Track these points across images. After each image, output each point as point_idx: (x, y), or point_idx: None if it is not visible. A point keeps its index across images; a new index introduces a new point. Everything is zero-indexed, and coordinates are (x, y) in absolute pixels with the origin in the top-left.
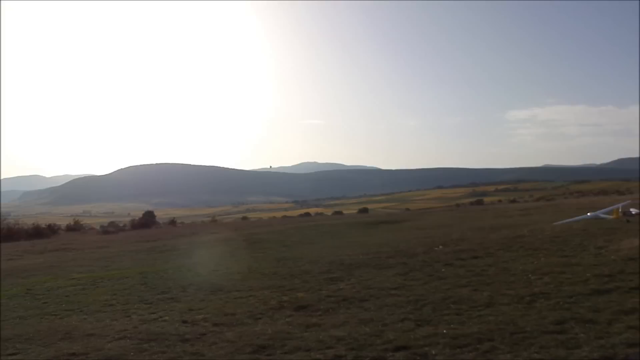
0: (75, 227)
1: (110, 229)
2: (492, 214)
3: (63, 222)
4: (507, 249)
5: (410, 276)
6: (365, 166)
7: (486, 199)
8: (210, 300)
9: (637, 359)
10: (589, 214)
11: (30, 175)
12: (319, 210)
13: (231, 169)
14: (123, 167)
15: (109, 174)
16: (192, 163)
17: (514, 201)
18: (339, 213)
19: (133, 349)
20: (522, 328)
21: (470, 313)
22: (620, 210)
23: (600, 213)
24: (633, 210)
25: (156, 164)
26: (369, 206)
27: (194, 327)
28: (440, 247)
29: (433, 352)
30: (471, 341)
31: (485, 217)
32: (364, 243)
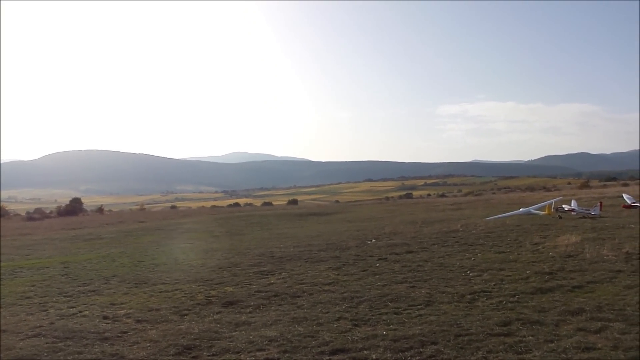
0: None
1: (36, 216)
2: (423, 207)
3: None
4: (442, 243)
5: (343, 271)
6: (296, 157)
7: (415, 193)
8: (134, 294)
9: None
10: (520, 209)
11: None
12: (249, 200)
13: (161, 157)
14: (51, 152)
15: (37, 159)
16: (121, 150)
17: (443, 195)
18: (269, 204)
19: (47, 348)
20: (467, 330)
21: (409, 312)
22: (552, 206)
23: (532, 209)
24: (565, 207)
25: (85, 150)
26: (299, 198)
27: (115, 324)
28: (373, 240)
29: (373, 357)
30: (413, 344)
31: (417, 211)
32: (294, 235)
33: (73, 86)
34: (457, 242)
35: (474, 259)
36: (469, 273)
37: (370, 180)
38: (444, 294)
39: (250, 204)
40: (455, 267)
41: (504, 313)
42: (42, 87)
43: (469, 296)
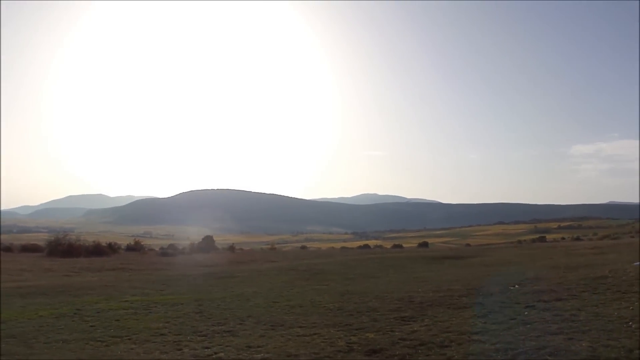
0: (135, 247)
1: (169, 252)
2: (561, 251)
3: (123, 242)
4: (592, 290)
5: (490, 319)
6: (426, 199)
7: (548, 236)
8: (271, 337)
9: None
10: None
11: (95, 194)
12: (378, 242)
13: (291, 197)
14: (185, 190)
15: (171, 196)
16: (253, 190)
17: (577, 239)
18: (399, 246)
19: None
20: None
21: None
22: None
23: None
24: None
25: (218, 189)
26: (429, 240)
27: None
28: (516, 286)
29: None
30: None
31: (555, 255)
32: (431, 279)
33: (208, 127)
34: (608, 289)
35: (632, 309)
36: (631, 324)
37: (502, 222)
38: (609, 348)
39: (380, 246)
40: (613, 317)
41: None
42: (177, 129)
43: (637, 351)
